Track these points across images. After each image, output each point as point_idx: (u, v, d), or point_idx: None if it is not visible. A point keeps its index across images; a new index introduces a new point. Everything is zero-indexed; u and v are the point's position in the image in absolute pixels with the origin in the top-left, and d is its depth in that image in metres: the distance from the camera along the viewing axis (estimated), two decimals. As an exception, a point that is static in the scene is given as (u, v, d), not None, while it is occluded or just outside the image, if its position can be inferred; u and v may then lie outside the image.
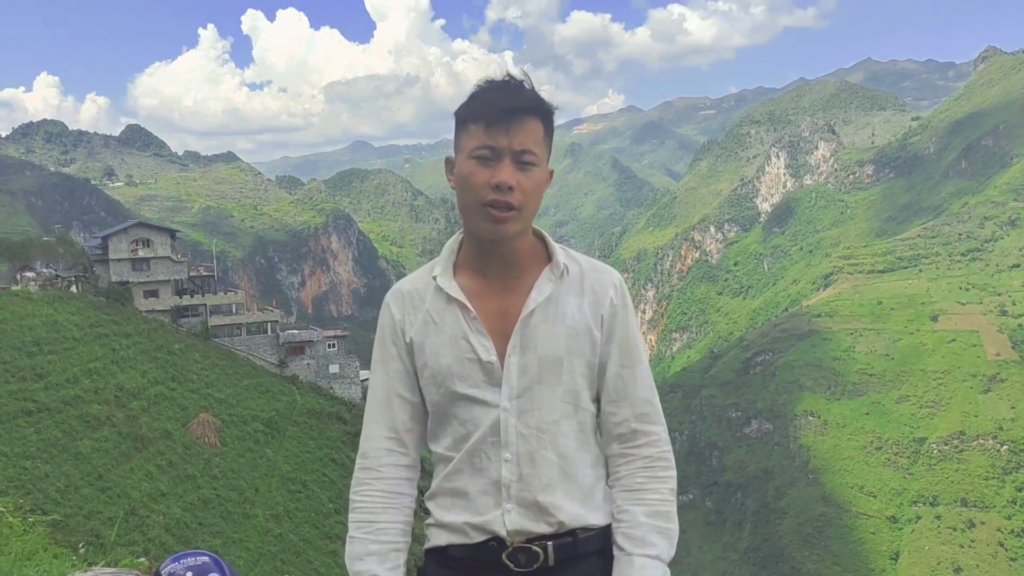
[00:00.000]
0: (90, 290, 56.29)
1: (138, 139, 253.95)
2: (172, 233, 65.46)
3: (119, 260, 59.43)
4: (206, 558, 2.09)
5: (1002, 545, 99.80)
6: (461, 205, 2.08)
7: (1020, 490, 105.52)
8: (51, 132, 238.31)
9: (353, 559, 2.12)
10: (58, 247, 63.03)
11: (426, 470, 2.23)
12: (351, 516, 2.18)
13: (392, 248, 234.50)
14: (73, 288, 55.26)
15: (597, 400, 2.19)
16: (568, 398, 2.10)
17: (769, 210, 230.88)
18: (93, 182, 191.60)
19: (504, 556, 2.04)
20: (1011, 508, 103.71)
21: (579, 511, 2.09)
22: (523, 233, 2.10)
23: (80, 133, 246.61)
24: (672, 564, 2.11)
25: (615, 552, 2.11)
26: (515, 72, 2.08)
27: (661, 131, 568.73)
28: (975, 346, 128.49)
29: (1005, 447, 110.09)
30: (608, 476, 2.19)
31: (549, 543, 2.05)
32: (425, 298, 2.16)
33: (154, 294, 59.86)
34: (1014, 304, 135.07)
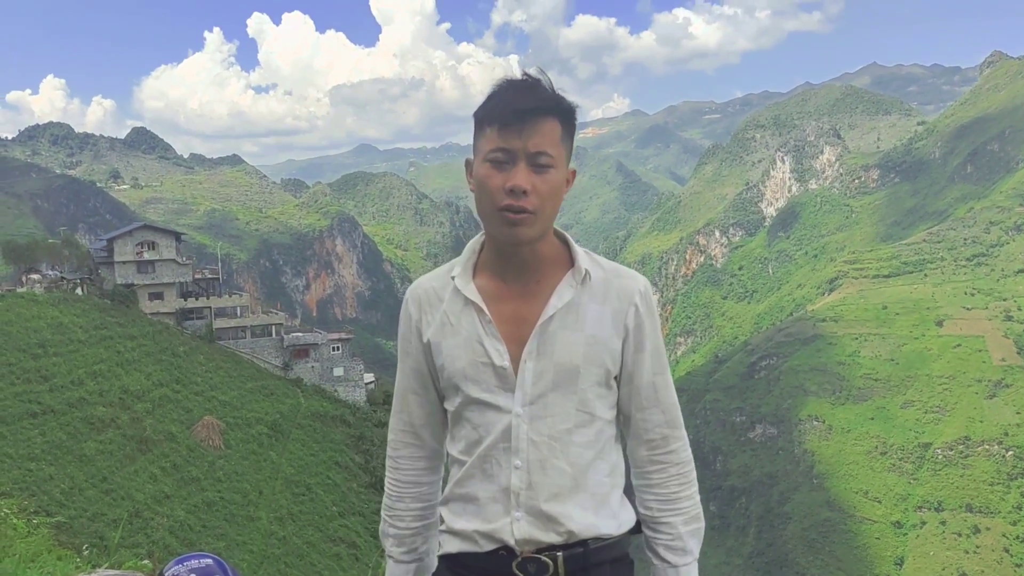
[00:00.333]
0: (95, 292, 56.41)
1: (144, 142, 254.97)
2: (177, 236, 65.56)
3: (124, 262, 59.57)
4: (209, 560, 2.08)
5: (1007, 551, 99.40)
6: (478, 209, 2.03)
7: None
8: (57, 135, 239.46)
9: (382, 536, 2.28)
10: (63, 249, 63.12)
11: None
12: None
13: (396, 251, 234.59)
14: (78, 290, 55.41)
15: (617, 407, 2.14)
16: (583, 407, 2.04)
17: (774, 214, 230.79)
18: (99, 184, 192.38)
19: (514, 566, 2.00)
20: (1016, 514, 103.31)
21: (591, 520, 2.04)
22: (541, 237, 2.03)
23: (86, 136, 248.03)
24: None
25: (656, 562, 2.13)
26: (532, 71, 2.00)
27: (666, 135, 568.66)
28: (980, 351, 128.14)
29: (1010, 452, 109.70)
30: (636, 480, 2.17)
31: (559, 553, 2.00)
32: (443, 298, 2.12)
33: (159, 296, 59.97)
34: (1020, 309, 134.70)
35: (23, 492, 28.82)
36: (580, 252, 2.11)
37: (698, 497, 2.16)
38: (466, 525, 2.06)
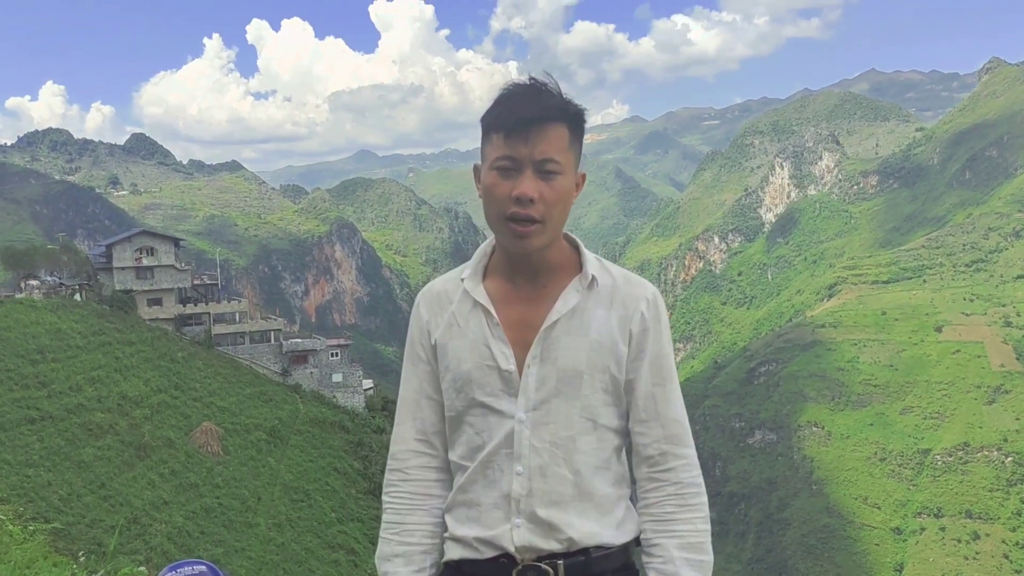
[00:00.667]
0: (94, 298, 56.31)
1: (143, 148, 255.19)
2: (176, 242, 65.53)
3: (123, 268, 59.50)
4: (203, 567, 2.08)
5: (1007, 557, 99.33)
6: (486, 216, 2.02)
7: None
8: (56, 140, 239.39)
9: (381, 560, 2.13)
10: (62, 255, 63.00)
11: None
12: (383, 517, 2.18)
13: (396, 257, 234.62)
14: (77, 296, 55.30)
15: (625, 418, 2.09)
16: (587, 414, 2.01)
17: (773, 220, 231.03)
18: (98, 190, 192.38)
19: (515, 573, 1.98)
20: (1016, 520, 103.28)
21: (593, 529, 2.00)
22: (550, 244, 2.02)
23: (85, 142, 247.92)
24: None
25: None
26: (539, 75, 1.99)
27: (665, 141, 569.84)
28: (979, 357, 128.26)
29: (1010, 459, 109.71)
30: (637, 499, 2.10)
31: (560, 561, 1.97)
32: (452, 300, 2.11)
33: (158, 302, 59.89)
34: (1018, 315, 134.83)
35: (21, 498, 28.80)
36: (590, 258, 2.10)
37: (705, 527, 2.02)
38: (467, 531, 2.04)
